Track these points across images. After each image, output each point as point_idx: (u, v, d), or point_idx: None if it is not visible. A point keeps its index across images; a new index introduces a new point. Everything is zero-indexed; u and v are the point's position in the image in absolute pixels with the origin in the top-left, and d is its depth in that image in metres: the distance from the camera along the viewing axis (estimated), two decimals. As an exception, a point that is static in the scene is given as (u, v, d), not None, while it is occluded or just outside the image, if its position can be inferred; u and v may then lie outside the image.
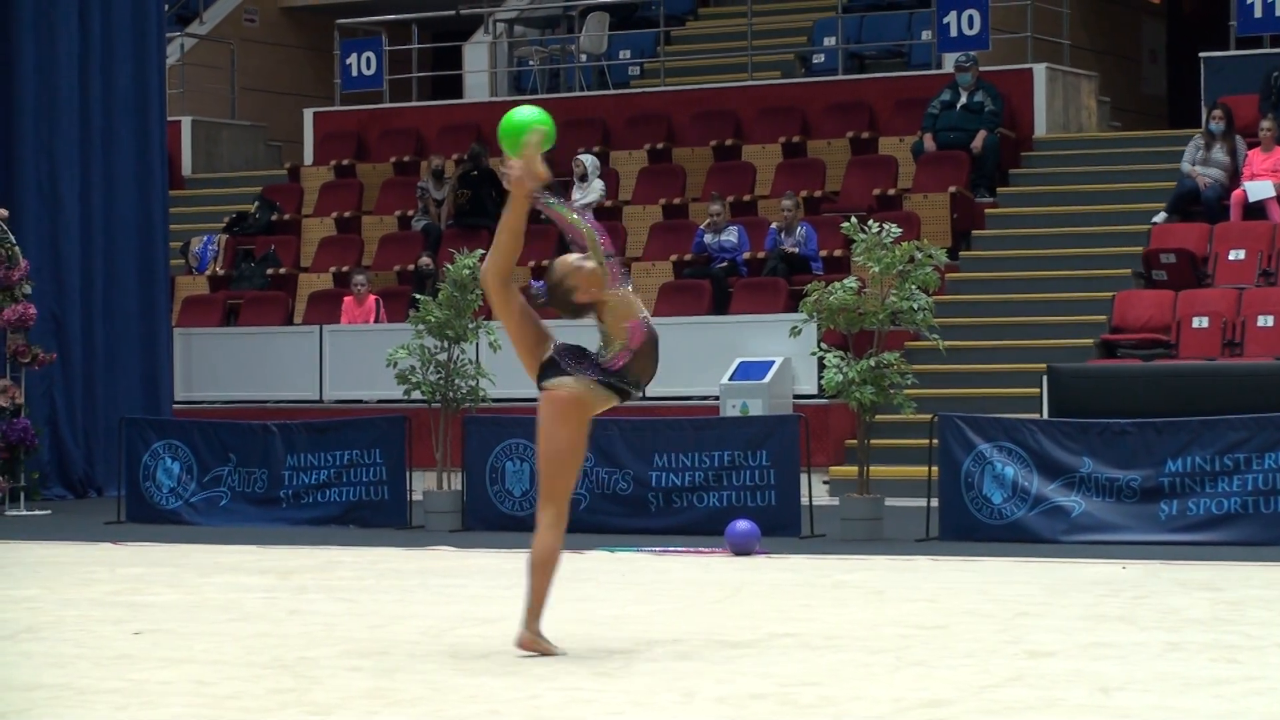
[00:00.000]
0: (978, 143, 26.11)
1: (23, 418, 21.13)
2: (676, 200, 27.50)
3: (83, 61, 24.40)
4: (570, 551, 16.23)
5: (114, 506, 20.19)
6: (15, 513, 20.87)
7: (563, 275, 10.50)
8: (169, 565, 15.86)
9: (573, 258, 10.46)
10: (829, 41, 30.42)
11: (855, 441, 18.63)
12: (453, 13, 33.53)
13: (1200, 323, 22.42)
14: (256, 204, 30.41)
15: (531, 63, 32.37)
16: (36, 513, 21.03)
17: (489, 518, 18.51)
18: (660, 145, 28.69)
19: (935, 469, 17.37)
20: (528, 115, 10.52)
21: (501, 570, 15.14)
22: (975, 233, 25.94)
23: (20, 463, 21.14)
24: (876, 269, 17.43)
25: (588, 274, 10.46)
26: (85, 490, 23.62)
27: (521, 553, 16.04)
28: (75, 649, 11.07)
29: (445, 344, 19.07)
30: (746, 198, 27.06)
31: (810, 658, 10.45)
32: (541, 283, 10.60)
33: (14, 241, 21.40)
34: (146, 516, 19.52)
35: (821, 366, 17.99)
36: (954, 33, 27.67)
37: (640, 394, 10.67)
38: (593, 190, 27.39)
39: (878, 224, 17.68)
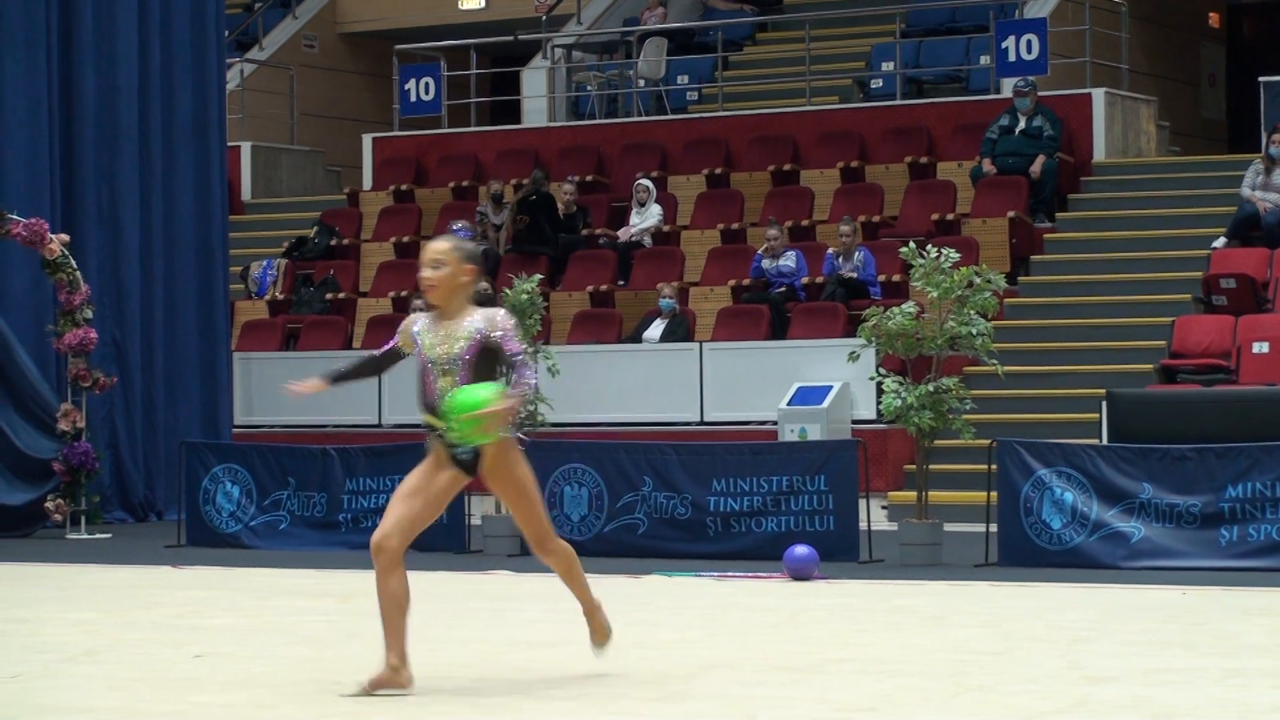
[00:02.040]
0: (1036, 167, 26.04)
1: (84, 441, 21.21)
2: (735, 225, 27.46)
3: (143, 88, 24.51)
4: (628, 576, 16.34)
5: (174, 530, 20.25)
6: (76, 536, 20.94)
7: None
8: (228, 589, 15.90)
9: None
10: (887, 66, 30.40)
11: (914, 466, 18.59)
12: (511, 38, 33.52)
13: (1260, 348, 22.33)
14: (316, 229, 30.49)
15: (589, 88, 32.39)
16: (97, 536, 21.10)
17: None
18: (718, 170, 28.67)
19: (994, 494, 17.32)
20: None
21: (558, 595, 15.13)
22: (1034, 258, 25.88)
23: (82, 486, 21.22)
24: (935, 294, 17.39)
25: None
26: (146, 514, 23.71)
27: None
28: (135, 672, 11.10)
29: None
30: (804, 222, 27.02)
31: (868, 683, 10.43)
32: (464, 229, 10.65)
33: (75, 266, 21.47)
34: (206, 540, 19.58)
35: (880, 391, 17.95)
36: (1012, 57, 27.61)
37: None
38: (651, 215, 27.40)
39: (936, 249, 17.65)
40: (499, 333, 10.04)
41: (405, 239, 29.52)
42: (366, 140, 32.44)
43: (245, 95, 33.77)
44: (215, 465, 19.91)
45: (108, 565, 18.16)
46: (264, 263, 30.04)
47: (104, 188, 24.13)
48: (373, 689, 9.92)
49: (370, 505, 19.12)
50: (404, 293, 27.57)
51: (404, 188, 30.80)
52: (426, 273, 10.13)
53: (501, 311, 10.20)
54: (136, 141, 24.43)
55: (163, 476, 23.66)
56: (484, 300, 10.41)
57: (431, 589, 15.82)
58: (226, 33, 28.23)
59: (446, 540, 18.75)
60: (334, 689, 10.29)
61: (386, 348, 10.38)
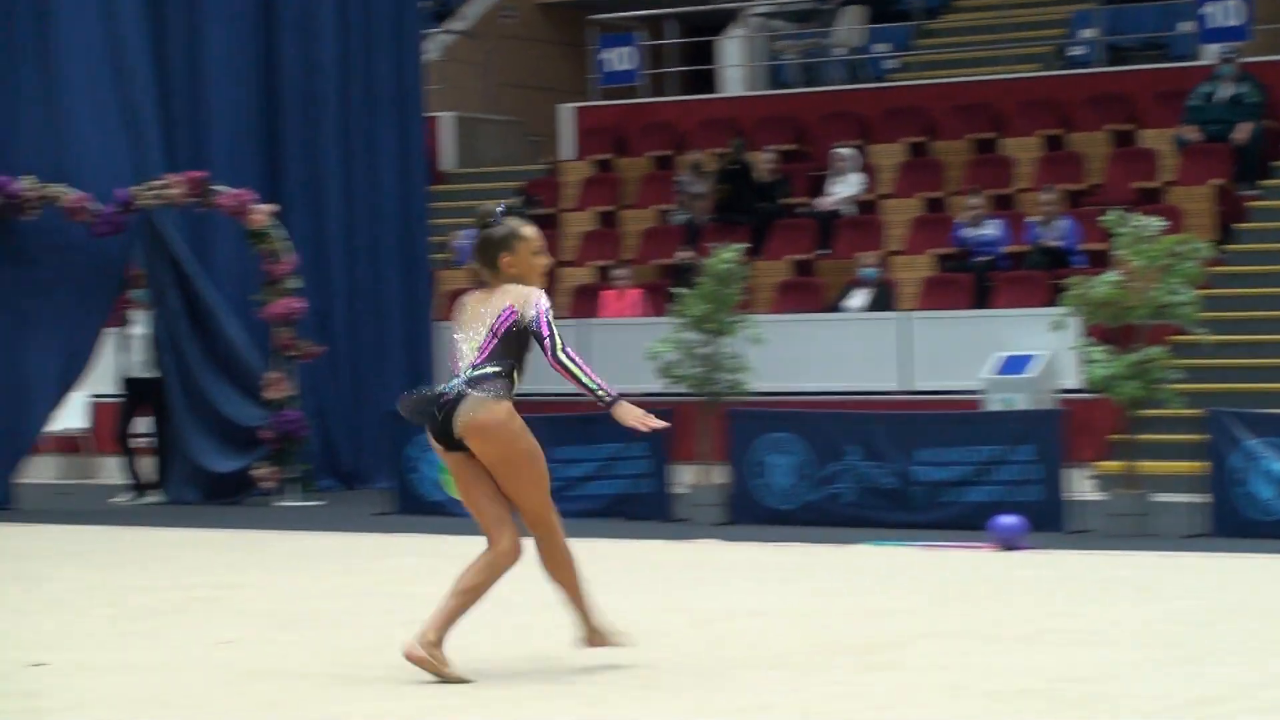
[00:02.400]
0: (1242, 134, 25.73)
1: (291, 411, 21.42)
2: (936, 194, 27.35)
3: (343, 61, 24.69)
4: (835, 545, 16.34)
5: (382, 498, 20.44)
6: (287, 503, 21.16)
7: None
8: (435, 556, 15.99)
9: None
10: (1087, 33, 30.16)
11: (1120, 436, 18.43)
12: (708, 7, 33.51)
13: None
14: (518, 198, 30.63)
15: (787, 56, 32.34)
16: (309, 504, 21.30)
17: (753, 511, 18.48)
18: (918, 139, 28.55)
19: (1204, 464, 17.14)
20: None
21: (766, 564, 15.17)
22: (1239, 225, 25.57)
23: (290, 454, 21.44)
24: (1139, 263, 17.25)
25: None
26: (354, 482, 23.89)
27: (786, 546, 16.18)
28: (348, 641, 11.22)
29: (706, 337, 19.06)
30: (1005, 191, 26.86)
31: (1078, 654, 10.39)
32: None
33: (280, 237, 21.68)
34: (414, 508, 19.71)
35: (1085, 361, 17.82)
36: (1214, 23, 27.31)
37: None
38: (851, 184, 27.32)
39: (1140, 217, 17.50)
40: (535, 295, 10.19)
41: (606, 208, 29.62)
42: (566, 110, 32.52)
43: (445, 66, 33.96)
44: (419, 434, 20.05)
45: (317, 532, 18.34)
46: (465, 232, 30.24)
47: (307, 160, 24.34)
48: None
49: (576, 474, 19.18)
50: (605, 262, 27.65)
51: (604, 158, 30.88)
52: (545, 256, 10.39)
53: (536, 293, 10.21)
54: (337, 114, 24.62)
55: (370, 445, 23.82)
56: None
57: (640, 557, 15.89)
58: (423, 4, 28.32)
59: (653, 510, 18.79)
60: (540, 657, 10.35)
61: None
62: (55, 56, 21.55)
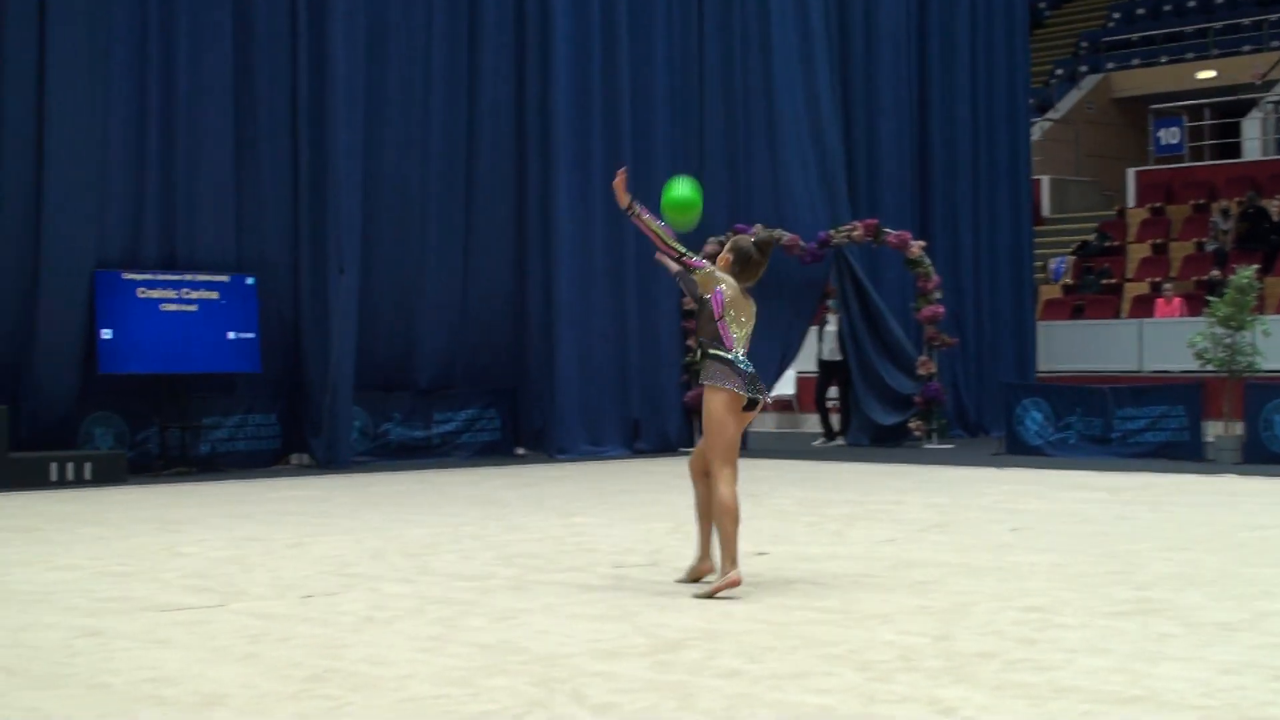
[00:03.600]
0: None
1: (934, 383, 21.38)
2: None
3: (974, 139, 24.58)
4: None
5: (996, 443, 20.22)
6: (930, 446, 21.11)
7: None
8: (1035, 484, 15.80)
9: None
10: None
11: None
12: (1234, 97, 32.34)
13: None
14: (1095, 235, 30.02)
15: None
16: (944, 447, 21.23)
17: (1262, 455, 17.68)
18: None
19: None
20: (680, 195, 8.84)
21: (1273, 493, 14.50)
22: None
23: (934, 413, 21.40)
24: None
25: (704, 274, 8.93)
26: (977, 432, 23.72)
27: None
28: (968, 539, 11.10)
29: (1230, 332, 18.36)
30: None
31: None
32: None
33: (929, 263, 21.66)
34: (1018, 451, 19.43)
35: None
36: None
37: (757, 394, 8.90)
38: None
39: None
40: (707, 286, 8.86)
41: (1158, 241, 28.78)
42: (1130, 173, 31.77)
43: (1044, 143, 33.46)
44: (1025, 398, 19.78)
45: (951, 466, 18.25)
46: (1058, 259, 29.75)
47: (947, 209, 24.24)
48: (690, 578, 8.89)
49: (1134, 427, 18.64)
50: (1158, 279, 26.86)
51: (1157, 205, 30.01)
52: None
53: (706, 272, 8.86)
54: (969, 177, 24.47)
55: (989, 406, 23.62)
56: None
57: (1178, 487, 15.35)
58: (1030, 100, 27.94)
59: (1188, 453, 18.13)
60: (1105, 556, 10.10)
61: (694, 263, 8.84)
62: (777, 133, 21.80)
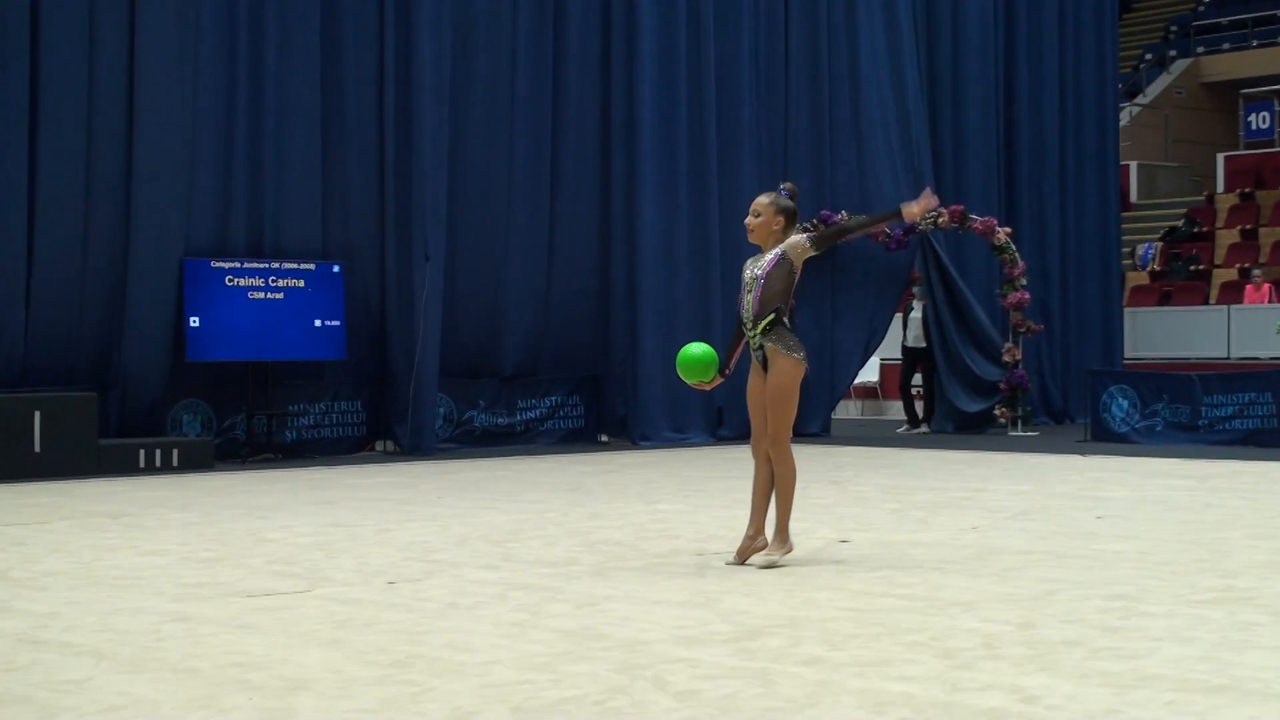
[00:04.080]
0: None
1: (1020, 369, 21.25)
2: None
3: (1061, 126, 24.43)
4: None
5: (1081, 430, 20.07)
6: (1015, 434, 21.01)
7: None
8: (1121, 471, 15.69)
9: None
10: None
11: None
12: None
13: None
14: (1184, 221, 29.70)
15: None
16: (1030, 434, 21.11)
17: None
18: None
19: None
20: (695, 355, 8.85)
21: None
22: None
23: (1019, 400, 21.28)
24: None
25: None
26: (1062, 419, 23.57)
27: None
28: (1054, 527, 11.04)
29: (1322, 318, 18.15)
30: None
31: None
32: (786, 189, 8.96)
33: (1015, 249, 21.51)
34: (1104, 437, 19.34)
35: None
36: None
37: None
38: None
39: None
40: (797, 239, 8.74)
41: (1248, 227, 28.45)
42: (1220, 158, 31.41)
43: (1133, 128, 33.16)
44: (1111, 385, 19.64)
45: (1037, 454, 18.15)
46: (1146, 245, 29.48)
47: (1033, 195, 24.08)
48: (741, 559, 8.97)
49: (1221, 414, 18.49)
50: (1246, 265, 26.54)
51: (1247, 191, 29.68)
52: (749, 220, 8.89)
53: (791, 246, 8.75)
54: (1056, 163, 24.30)
55: (1075, 393, 23.47)
56: (789, 212, 9.00)
57: (1266, 474, 15.18)
58: (1120, 85, 27.69)
59: (1276, 440, 17.93)
60: (1194, 544, 10.00)
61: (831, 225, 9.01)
62: (862, 123, 21.72)
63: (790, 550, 8.95)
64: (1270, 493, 13.41)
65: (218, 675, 6.15)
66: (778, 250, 8.78)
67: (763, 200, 8.90)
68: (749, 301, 8.77)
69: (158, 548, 10.18)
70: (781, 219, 8.84)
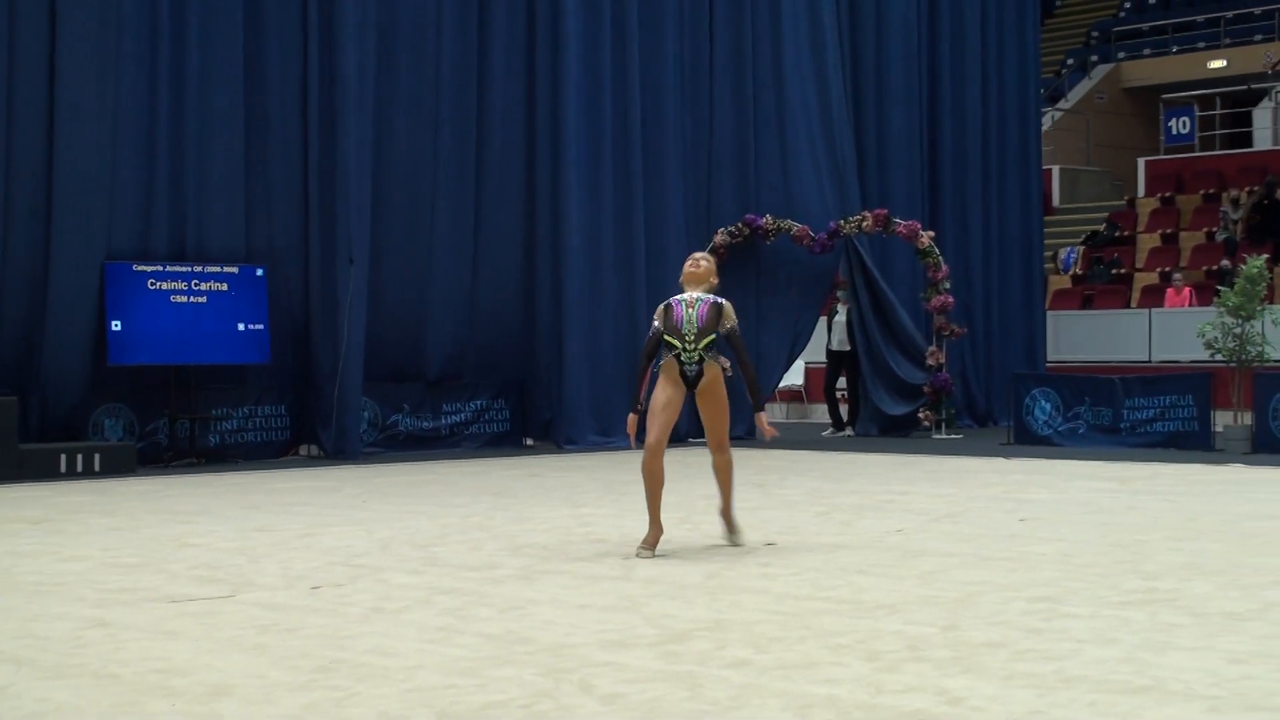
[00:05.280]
0: None
1: (943, 373, 21.36)
2: None
3: (984, 129, 24.59)
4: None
5: (1004, 433, 20.21)
6: (939, 436, 21.13)
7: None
8: (1043, 474, 15.79)
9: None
10: None
11: None
12: (1245, 87, 32.25)
13: None
14: (1105, 225, 29.97)
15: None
16: (953, 437, 21.23)
17: (1271, 445, 17.68)
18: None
19: None
20: None
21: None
22: None
23: (943, 403, 21.38)
24: None
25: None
26: (986, 422, 23.73)
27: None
28: (977, 530, 11.09)
29: (1239, 321, 18.33)
30: None
31: None
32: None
33: (939, 253, 21.63)
34: (1026, 440, 19.47)
35: None
36: None
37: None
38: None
39: None
40: (731, 313, 9.82)
41: (1168, 231, 28.74)
42: (1140, 163, 31.73)
43: (1055, 133, 33.41)
44: (1033, 388, 19.78)
45: (959, 456, 18.26)
46: (1068, 249, 29.70)
47: (957, 199, 24.23)
48: (646, 548, 9.71)
49: (1143, 417, 18.66)
50: (1167, 269, 26.81)
51: (1167, 195, 29.98)
52: (693, 266, 9.93)
53: (727, 304, 9.87)
54: (979, 167, 24.46)
55: (998, 396, 23.63)
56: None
57: (1185, 477, 15.36)
58: (1041, 90, 27.90)
59: (1197, 443, 18.12)
60: (1116, 546, 10.09)
61: (651, 337, 9.74)
62: (786, 124, 21.83)
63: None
64: (1191, 495, 13.54)
65: (140, 682, 6.10)
66: (715, 300, 9.81)
67: (707, 258, 10.11)
68: (691, 317, 9.73)
69: (79, 553, 10.08)
70: (715, 280, 10.00)
